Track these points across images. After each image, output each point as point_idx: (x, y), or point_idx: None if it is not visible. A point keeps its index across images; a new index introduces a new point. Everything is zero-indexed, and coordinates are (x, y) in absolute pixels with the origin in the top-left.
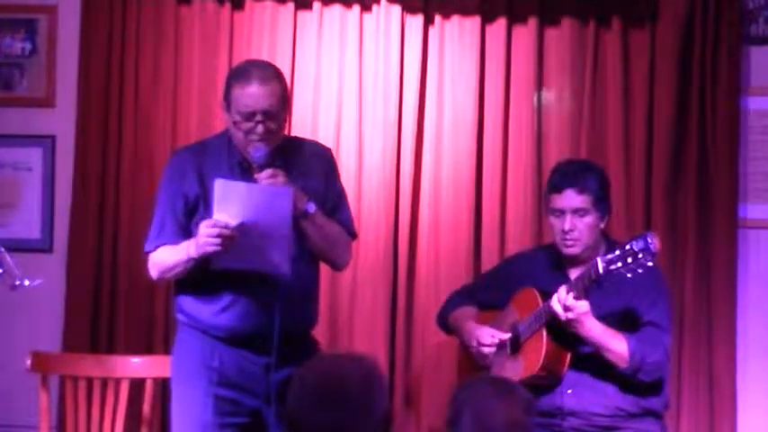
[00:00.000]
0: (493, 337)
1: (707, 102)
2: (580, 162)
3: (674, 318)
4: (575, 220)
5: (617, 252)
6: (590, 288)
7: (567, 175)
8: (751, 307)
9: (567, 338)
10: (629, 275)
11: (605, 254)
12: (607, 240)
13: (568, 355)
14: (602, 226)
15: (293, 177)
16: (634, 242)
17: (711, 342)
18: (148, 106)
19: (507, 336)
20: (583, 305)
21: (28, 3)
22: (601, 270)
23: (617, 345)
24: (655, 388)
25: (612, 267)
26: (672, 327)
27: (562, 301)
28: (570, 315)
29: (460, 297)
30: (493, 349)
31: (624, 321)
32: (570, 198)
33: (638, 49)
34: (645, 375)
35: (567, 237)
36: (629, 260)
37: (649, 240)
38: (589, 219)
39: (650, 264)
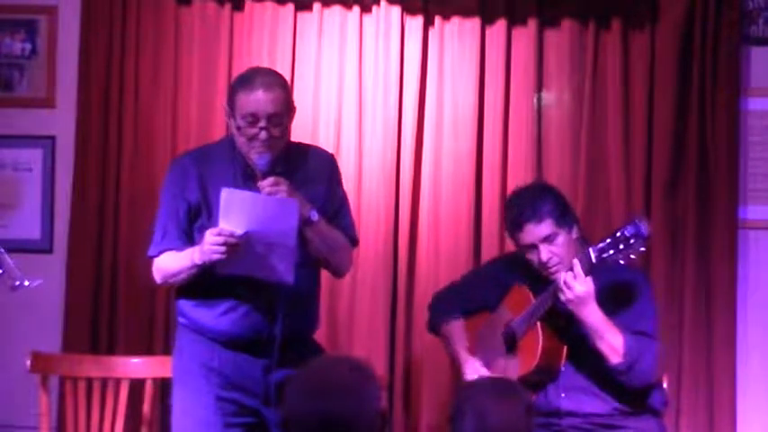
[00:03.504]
0: (478, 370)
1: (707, 102)
2: (526, 190)
3: (661, 320)
4: (549, 248)
5: (608, 240)
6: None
7: (520, 210)
8: (751, 307)
9: (563, 334)
10: (621, 262)
11: None
12: (584, 242)
13: (565, 348)
14: (575, 236)
15: (296, 184)
16: (625, 228)
17: (711, 342)
18: (148, 106)
19: (481, 364)
20: (590, 282)
21: (28, 3)
22: (593, 259)
23: (613, 337)
24: (643, 392)
25: (605, 255)
26: (659, 332)
27: (577, 272)
28: (573, 294)
29: (447, 304)
30: None
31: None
32: (533, 231)
33: (638, 50)
34: (635, 376)
35: (549, 265)
36: (621, 246)
37: (639, 225)
38: (561, 239)
39: (643, 249)
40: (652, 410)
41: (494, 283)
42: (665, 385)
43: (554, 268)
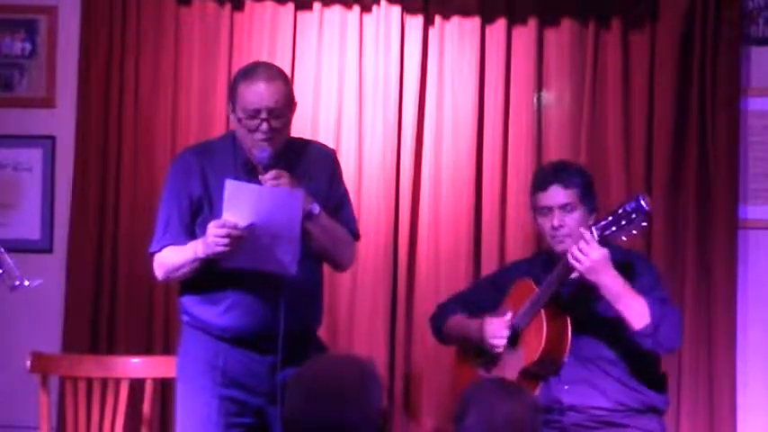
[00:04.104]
0: (501, 324)
1: (707, 102)
2: (561, 161)
3: (670, 294)
4: (563, 216)
5: (610, 217)
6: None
7: (551, 172)
8: (751, 307)
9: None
10: (624, 238)
11: None
12: None
13: (569, 322)
14: (590, 223)
15: (297, 178)
16: (626, 204)
17: (711, 342)
18: (148, 106)
19: (509, 315)
20: (603, 248)
21: (28, 3)
22: (596, 237)
23: (636, 301)
24: (656, 383)
25: (607, 233)
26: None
27: (587, 239)
28: (589, 260)
29: (452, 306)
30: (504, 338)
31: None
32: (556, 194)
33: (638, 49)
34: (662, 339)
35: (558, 233)
36: (623, 222)
37: (641, 200)
38: (577, 214)
39: (644, 224)
40: (655, 409)
41: (496, 289)
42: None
43: (561, 237)
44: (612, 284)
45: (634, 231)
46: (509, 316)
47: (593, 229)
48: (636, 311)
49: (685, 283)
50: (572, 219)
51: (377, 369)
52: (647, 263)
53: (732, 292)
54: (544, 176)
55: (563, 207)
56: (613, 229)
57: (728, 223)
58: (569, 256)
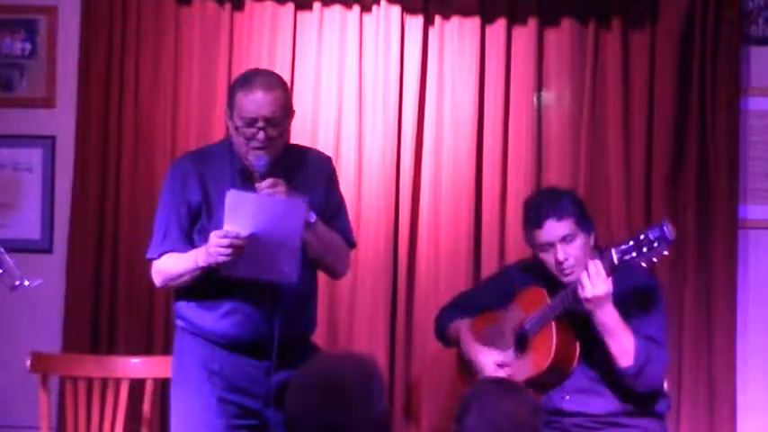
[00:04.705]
0: (500, 365)
1: (707, 102)
2: (547, 190)
3: (668, 330)
4: (566, 249)
5: (630, 242)
6: None
7: (541, 206)
8: (751, 307)
9: (576, 334)
10: (643, 264)
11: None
12: (599, 251)
13: (578, 347)
14: (591, 243)
15: (294, 186)
16: (650, 231)
17: (711, 343)
18: (148, 106)
19: (510, 352)
20: (609, 283)
21: (28, 3)
22: (615, 260)
23: (626, 339)
24: (650, 396)
25: (627, 257)
26: (666, 341)
27: (598, 271)
28: (591, 293)
29: (454, 309)
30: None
31: None
32: (553, 228)
33: (638, 49)
34: (643, 381)
35: (564, 267)
36: (645, 249)
37: (665, 229)
38: (578, 241)
39: (666, 253)
40: (655, 414)
41: (503, 289)
42: (665, 385)
43: (569, 270)
44: (608, 321)
45: (654, 259)
46: (510, 355)
47: (614, 252)
48: (623, 350)
49: (685, 282)
50: (575, 248)
51: (378, 367)
52: (657, 292)
53: (732, 292)
54: (536, 212)
55: (563, 239)
56: (633, 254)
57: (728, 223)
58: (580, 280)
